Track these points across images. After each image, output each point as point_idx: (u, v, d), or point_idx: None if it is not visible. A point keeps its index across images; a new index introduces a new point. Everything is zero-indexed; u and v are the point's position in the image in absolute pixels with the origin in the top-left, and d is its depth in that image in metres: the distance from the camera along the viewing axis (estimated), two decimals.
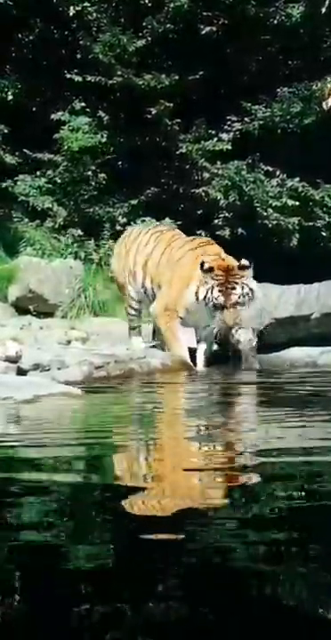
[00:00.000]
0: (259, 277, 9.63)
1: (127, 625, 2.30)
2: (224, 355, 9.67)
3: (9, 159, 13.94)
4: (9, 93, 14.27)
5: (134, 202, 13.88)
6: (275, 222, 13.51)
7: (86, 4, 14.23)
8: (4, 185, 13.96)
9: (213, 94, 14.10)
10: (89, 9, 14.26)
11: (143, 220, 13.47)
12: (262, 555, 2.86)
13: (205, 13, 14.19)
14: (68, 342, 10.05)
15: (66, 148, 13.88)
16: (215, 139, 13.93)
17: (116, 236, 13.35)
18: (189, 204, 13.96)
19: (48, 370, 7.75)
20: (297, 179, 13.69)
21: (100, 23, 14.28)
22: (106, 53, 13.95)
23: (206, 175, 13.89)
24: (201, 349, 9.68)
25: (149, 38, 14.02)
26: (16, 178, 14.06)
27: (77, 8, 14.19)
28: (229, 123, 14.03)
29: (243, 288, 9.17)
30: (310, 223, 13.74)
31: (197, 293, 9.30)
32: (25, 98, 14.37)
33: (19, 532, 3.15)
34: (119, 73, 13.92)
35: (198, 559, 2.83)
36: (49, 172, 14.11)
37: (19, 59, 14.79)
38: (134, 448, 4.91)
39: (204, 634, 2.29)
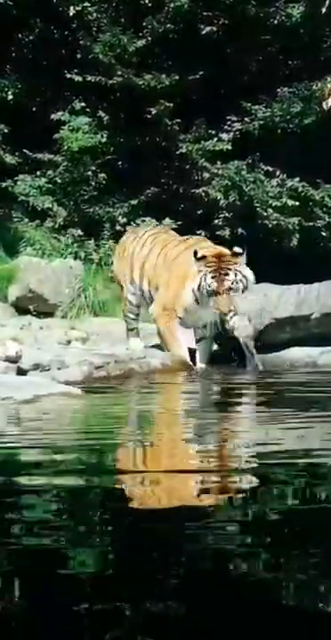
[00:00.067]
0: (259, 277, 9.64)
1: (127, 625, 2.31)
2: (224, 355, 9.67)
3: (9, 159, 13.93)
4: (9, 93, 14.28)
5: (134, 202, 13.88)
6: (275, 222, 13.51)
7: (86, 3, 14.23)
8: (4, 185, 13.95)
9: (213, 94, 14.10)
10: (89, 9, 14.25)
11: (143, 220, 13.48)
12: (257, 558, 2.86)
13: (205, 13, 14.19)
14: (68, 342, 10.05)
15: (66, 148, 13.88)
16: (215, 139, 13.92)
17: (116, 235, 13.37)
18: (189, 203, 13.96)
19: (48, 370, 7.76)
20: (297, 179, 13.68)
21: (101, 23, 14.28)
22: (106, 53, 13.94)
23: (206, 175, 13.89)
24: (201, 349, 9.69)
25: (150, 38, 14.01)
26: (16, 178, 14.05)
27: (77, 8, 14.18)
28: (229, 123, 14.03)
29: (236, 274, 9.29)
30: (311, 223, 13.73)
31: (193, 290, 9.34)
32: (25, 98, 14.37)
33: (18, 533, 3.15)
34: (119, 73, 13.92)
35: (198, 561, 2.84)
36: (49, 172, 14.11)
37: (19, 59, 14.78)
38: (132, 450, 4.91)
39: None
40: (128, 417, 6.58)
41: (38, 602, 2.49)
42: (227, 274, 9.26)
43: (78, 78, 14.02)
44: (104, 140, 13.98)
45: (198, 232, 12.23)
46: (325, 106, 13.67)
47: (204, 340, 9.69)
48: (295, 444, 4.79)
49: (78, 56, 14.43)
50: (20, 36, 14.81)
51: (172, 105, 13.74)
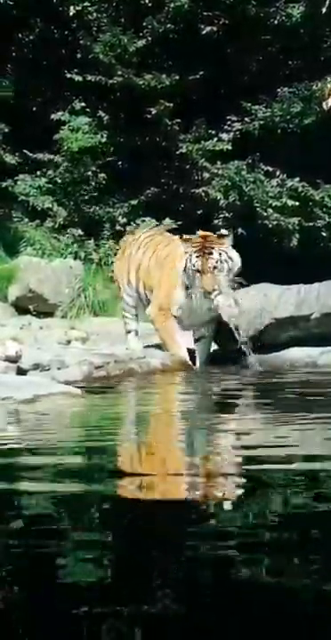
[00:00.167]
0: (259, 277, 9.64)
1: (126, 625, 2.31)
2: (224, 355, 9.67)
3: (9, 159, 13.94)
4: (9, 93, 14.27)
5: (134, 202, 13.89)
6: (275, 222, 13.51)
7: (86, 3, 14.24)
8: (4, 185, 13.96)
9: (214, 94, 14.11)
10: (89, 9, 14.26)
11: (143, 221, 13.48)
12: (254, 562, 2.86)
13: (205, 13, 14.20)
14: (68, 342, 10.05)
15: (66, 148, 13.88)
16: (215, 139, 13.93)
17: (116, 235, 13.38)
18: (189, 203, 13.96)
19: (48, 370, 7.75)
20: (297, 179, 13.69)
21: (101, 23, 14.29)
22: (106, 53, 13.95)
23: (206, 175, 13.90)
24: (199, 349, 9.70)
25: (150, 38, 14.02)
26: (16, 178, 14.06)
27: (77, 8, 14.19)
28: (229, 123, 14.04)
29: (220, 254, 9.41)
30: (311, 223, 13.74)
31: (181, 274, 9.46)
32: (25, 98, 14.38)
33: (18, 535, 3.15)
34: (119, 73, 13.92)
35: (197, 563, 2.83)
36: (49, 172, 14.12)
37: (19, 59, 14.79)
38: (131, 452, 4.91)
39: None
40: (126, 418, 6.57)
41: (36, 613, 2.49)
42: (211, 253, 9.39)
43: (78, 78, 14.03)
44: (104, 140, 13.99)
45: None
46: (325, 106, 13.67)
47: (202, 339, 9.70)
48: (295, 446, 4.78)
49: (78, 56, 14.44)
50: (20, 35, 14.82)
51: (172, 105, 13.75)
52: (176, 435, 5.59)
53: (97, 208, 14.01)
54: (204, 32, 14.08)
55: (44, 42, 14.62)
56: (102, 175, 14.05)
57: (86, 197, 14.06)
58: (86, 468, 4.34)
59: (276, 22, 14.29)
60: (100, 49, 13.96)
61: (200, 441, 5.14)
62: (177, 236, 10.33)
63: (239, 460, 4.47)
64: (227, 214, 13.59)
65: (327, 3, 13.96)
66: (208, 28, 14.09)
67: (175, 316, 9.63)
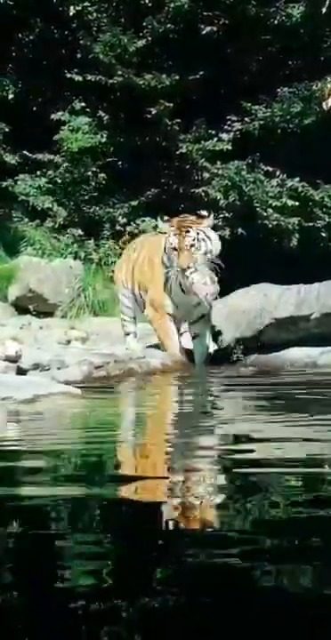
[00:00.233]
0: (259, 277, 9.65)
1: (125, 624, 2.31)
2: (223, 355, 9.68)
3: (9, 159, 13.95)
4: (9, 92, 14.28)
5: (134, 202, 13.89)
6: (275, 222, 13.51)
7: (86, 3, 14.24)
8: (4, 185, 13.97)
9: (213, 94, 14.11)
10: (89, 9, 14.27)
11: (143, 221, 13.50)
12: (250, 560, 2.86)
13: (205, 13, 14.20)
14: (68, 342, 10.06)
15: (66, 148, 13.88)
16: (215, 139, 13.93)
17: (116, 236, 13.38)
18: (189, 204, 13.93)
19: (48, 369, 7.76)
20: (297, 179, 13.69)
21: (101, 23, 14.29)
22: (106, 53, 13.96)
23: (206, 175, 13.90)
24: (196, 349, 9.73)
25: (150, 38, 14.02)
26: (16, 178, 14.07)
27: (77, 8, 14.19)
28: (229, 123, 14.04)
29: (198, 233, 9.61)
30: (310, 223, 13.74)
31: (177, 279, 9.52)
32: (25, 98, 14.38)
33: (17, 537, 3.15)
34: (119, 73, 13.93)
35: (197, 564, 2.84)
36: (49, 172, 14.12)
37: (19, 58, 14.80)
38: (129, 453, 4.91)
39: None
40: (125, 418, 6.58)
41: (36, 614, 2.49)
42: (188, 231, 9.60)
43: (78, 78, 14.04)
44: (104, 140, 14.00)
45: None
46: (325, 106, 13.67)
47: (197, 337, 9.74)
48: (295, 446, 4.78)
49: (78, 56, 14.44)
50: (20, 35, 14.83)
51: (172, 105, 13.75)
52: (175, 437, 5.59)
53: (97, 208, 14.01)
54: (204, 32, 14.08)
55: (44, 42, 14.62)
56: (102, 175, 14.05)
57: (86, 197, 14.07)
58: (85, 471, 4.34)
59: (276, 22, 14.29)
60: (100, 49, 13.96)
61: (197, 443, 5.14)
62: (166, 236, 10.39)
63: (239, 460, 4.46)
64: (227, 214, 13.59)
65: (327, 3, 13.95)
66: (208, 28, 14.09)
67: (169, 314, 9.72)
